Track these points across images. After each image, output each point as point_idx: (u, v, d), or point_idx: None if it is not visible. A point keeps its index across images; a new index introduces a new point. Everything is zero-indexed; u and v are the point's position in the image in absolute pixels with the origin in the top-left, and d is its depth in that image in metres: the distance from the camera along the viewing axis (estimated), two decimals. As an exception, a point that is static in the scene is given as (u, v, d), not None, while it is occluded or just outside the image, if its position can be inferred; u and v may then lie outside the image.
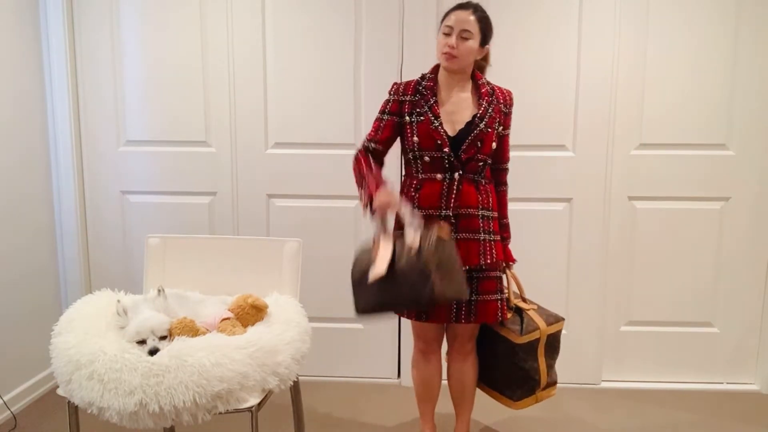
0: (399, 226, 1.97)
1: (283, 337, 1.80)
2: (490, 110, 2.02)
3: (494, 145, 2.02)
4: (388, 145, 2.10)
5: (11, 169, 2.64)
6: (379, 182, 1.91)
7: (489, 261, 2.02)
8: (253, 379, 1.67)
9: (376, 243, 1.89)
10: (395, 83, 2.10)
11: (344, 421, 2.59)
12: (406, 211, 1.88)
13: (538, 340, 2.07)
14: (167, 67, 2.82)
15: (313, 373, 2.94)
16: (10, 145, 2.62)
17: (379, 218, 1.89)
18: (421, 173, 2.02)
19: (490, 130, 2.00)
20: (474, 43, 1.98)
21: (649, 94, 2.74)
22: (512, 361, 2.08)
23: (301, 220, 2.88)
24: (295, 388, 2.09)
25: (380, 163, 2.11)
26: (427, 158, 2.00)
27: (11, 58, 2.63)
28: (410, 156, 2.04)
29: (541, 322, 2.09)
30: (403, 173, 2.13)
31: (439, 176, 1.99)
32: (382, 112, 2.08)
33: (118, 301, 1.84)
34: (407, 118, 2.04)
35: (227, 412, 1.64)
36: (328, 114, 2.81)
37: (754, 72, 2.72)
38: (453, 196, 1.98)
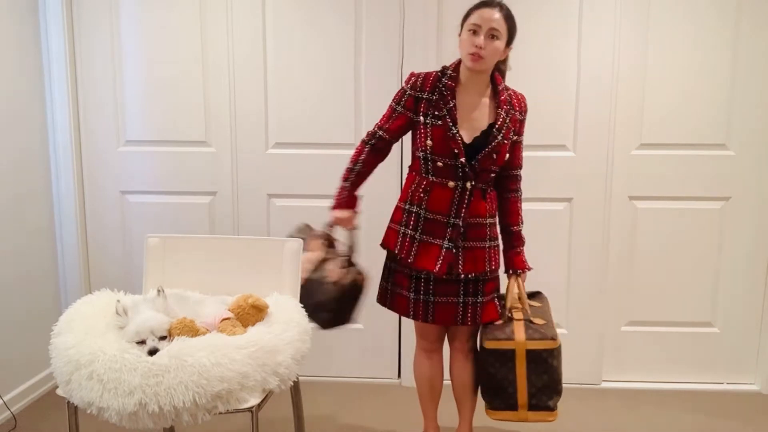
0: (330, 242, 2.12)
1: (284, 337, 1.79)
2: (507, 120, 1.96)
3: (508, 155, 2.00)
4: (396, 136, 2.06)
5: (11, 168, 2.63)
6: (349, 200, 2.08)
7: (494, 266, 2.04)
8: (254, 379, 1.66)
9: (311, 239, 2.09)
10: (412, 74, 2.01)
11: (344, 422, 2.59)
12: (348, 238, 2.08)
13: (512, 351, 1.97)
14: (167, 66, 2.82)
15: (313, 373, 2.94)
16: (9, 145, 2.62)
17: (328, 227, 2.09)
18: (432, 176, 1.97)
19: (506, 141, 1.95)
20: (501, 43, 1.91)
21: (649, 94, 2.74)
22: (482, 365, 2.06)
23: (301, 219, 2.87)
24: (296, 388, 2.09)
25: (382, 154, 2.09)
26: (440, 163, 1.94)
27: (11, 58, 2.63)
28: (420, 155, 1.98)
29: (519, 335, 1.98)
30: (409, 166, 2.09)
31: (451, 184, 1.94)
32: (397, 102, 2.02)
33: (118, 301, 1.83)
34: (422, 118, 1.96)
35: (227, 412, 1.64)
36: (328, 114, 2.81)
37: (754, 72, 2.71)
38: (464, 206, 1.95)
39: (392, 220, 2.10)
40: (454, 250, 1.96)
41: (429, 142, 1.93)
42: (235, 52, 2.80)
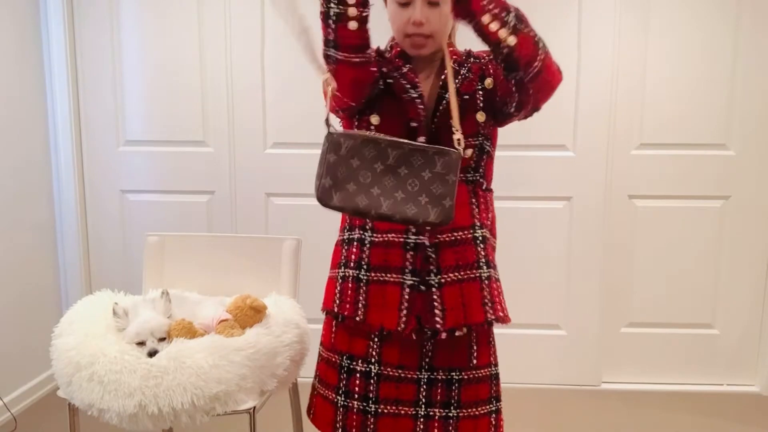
0: None
1: (282, 339, 1.79)
2: (463, 71, 1.38)
3: (482, 116, 1.35)
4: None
5: (11, 168, 2.64)
6: None
7: (501, 313, 1.35)
8: (252, 381, 1.66)
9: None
10: None
11: (344, 422, 2.58)
12: None
13: None
14: (166, 66, 2.82)
15: (312, 375, 2.93)
16: (10, 145, 2.62)
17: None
18: None
19: (467, 96, 1.35)
20: (447, 5, 1.28)
21: (649, 94, 2.74)
22: None
23: (300, 219, 2.88)
24: (294, 390, 2.09)
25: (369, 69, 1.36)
26: None
27: (11, 58, 2.63)
28: None
29: None
30: None
31: None
32: None
33: (116, 303, 1.83)
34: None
35: (225, 414, 1.64)
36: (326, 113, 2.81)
37: (754, 72, 2.71)
38: None
39: (330, 268, 1.48)
40: (423, 288, 1.30)
41: (374, 118, 1.36)
42: (233, 52, 2.79)
